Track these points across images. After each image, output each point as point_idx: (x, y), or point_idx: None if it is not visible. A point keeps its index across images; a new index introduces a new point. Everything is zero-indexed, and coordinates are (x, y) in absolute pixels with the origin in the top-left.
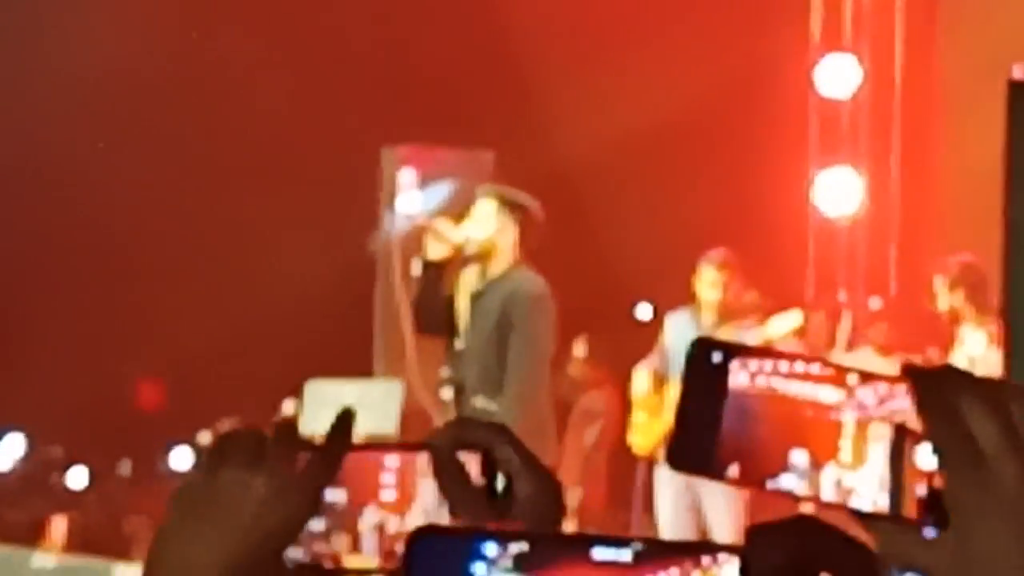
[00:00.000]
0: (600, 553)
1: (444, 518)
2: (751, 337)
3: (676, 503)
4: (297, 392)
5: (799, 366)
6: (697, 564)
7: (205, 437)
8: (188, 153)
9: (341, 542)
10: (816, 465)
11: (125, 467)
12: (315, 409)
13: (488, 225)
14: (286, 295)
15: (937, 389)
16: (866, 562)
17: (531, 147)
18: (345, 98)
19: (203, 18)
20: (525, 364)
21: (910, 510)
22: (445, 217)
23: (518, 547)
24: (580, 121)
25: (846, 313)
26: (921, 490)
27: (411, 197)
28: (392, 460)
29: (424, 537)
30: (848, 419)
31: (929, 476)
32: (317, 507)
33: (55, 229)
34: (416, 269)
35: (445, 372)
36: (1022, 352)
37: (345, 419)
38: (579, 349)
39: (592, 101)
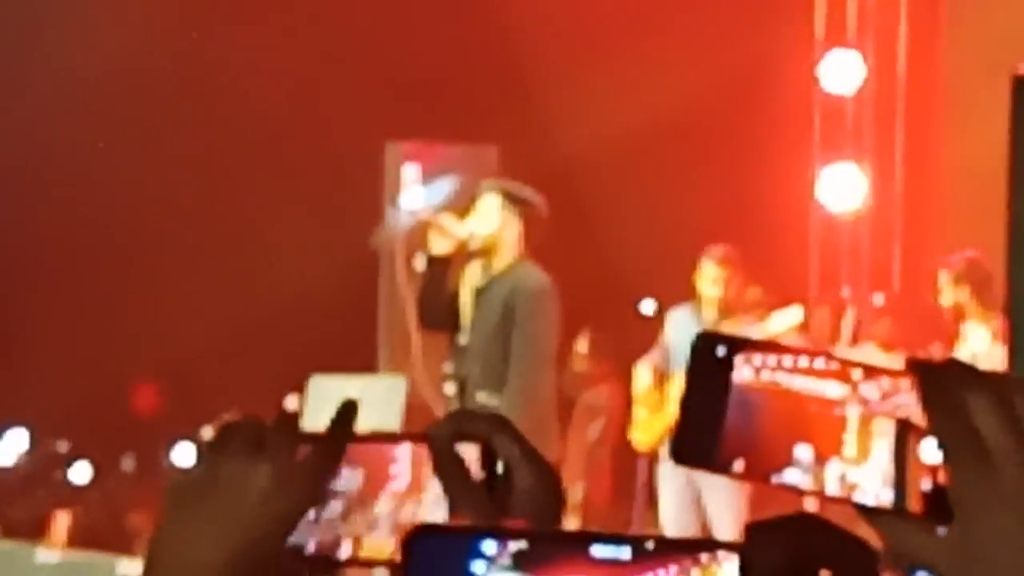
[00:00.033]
0: (599, 551)
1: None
2: (752, 333)
3: (679, 499)
4: (300, 388)
5: (803, 361)
6: (696, 562)
7: (208, 433)
8: (190, 151)
9: (355, 529)
10: (820, 460)
11: (128, 463)
12: (318, 405)
13: (492, 220)
14: (290, 291)
15: (941, 384)
16: (866, 559)
17: (535, 143)
18: (348, 94)
19: (203, 17)
20: (528, 360)
21: (914, 505)
22: (449, 212)
23: (517, 545)
24: (584, 117)
25: (850, 309)
26: (925, 485)
27: (415, 193)
28: (404, 449)
29: (423, 535)
30: (852, 414)
31: (933, 471)
32: (318, 498)
33: (57, 227)
34: (420, 264)
35: (448, 367)
36: None
37: (347, 411)
38: (582, 345)
39: (596, 97)
